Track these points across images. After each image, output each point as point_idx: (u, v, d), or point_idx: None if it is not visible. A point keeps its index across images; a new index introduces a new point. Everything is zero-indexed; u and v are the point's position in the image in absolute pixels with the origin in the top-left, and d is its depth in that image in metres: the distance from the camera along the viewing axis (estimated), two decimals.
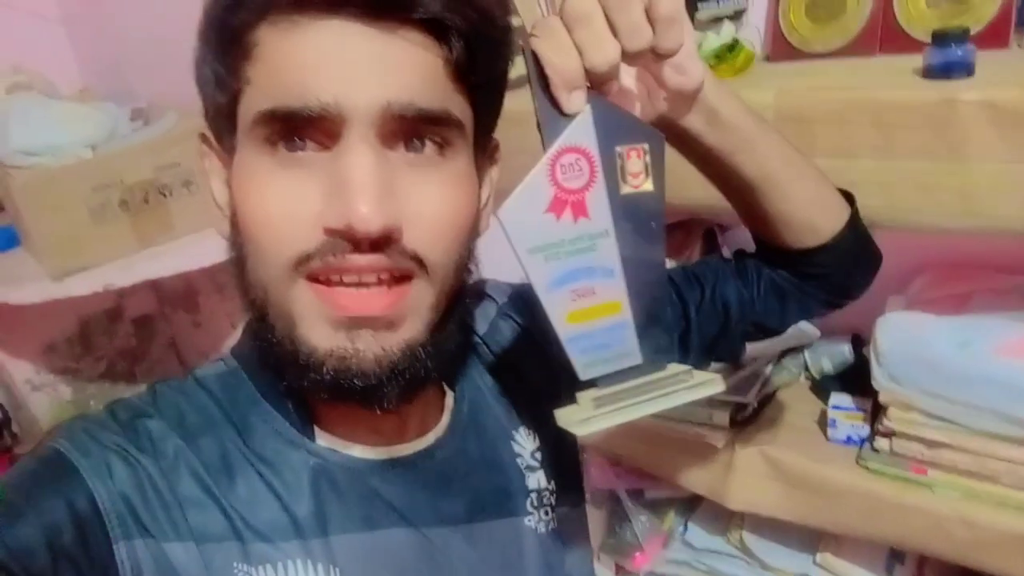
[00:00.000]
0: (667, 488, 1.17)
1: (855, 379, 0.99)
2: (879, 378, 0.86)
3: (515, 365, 0.62)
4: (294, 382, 0.46)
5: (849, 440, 0.95)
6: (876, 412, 0.91)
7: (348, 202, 0.40)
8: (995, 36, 0.78)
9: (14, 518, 0.42)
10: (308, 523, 0.48)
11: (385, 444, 0.52)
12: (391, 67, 0.41)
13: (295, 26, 0.41)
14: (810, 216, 0.60)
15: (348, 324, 0.43)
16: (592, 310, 0.43)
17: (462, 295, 0.49)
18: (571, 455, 0.64)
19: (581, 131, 0.41)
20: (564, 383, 0.63)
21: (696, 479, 1.04)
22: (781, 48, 0.94)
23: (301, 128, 0.42)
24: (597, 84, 0.42)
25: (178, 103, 1.45)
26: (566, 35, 0.41)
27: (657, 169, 0.42)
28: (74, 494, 0.43)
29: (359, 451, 0.51)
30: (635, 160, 0.42)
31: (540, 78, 0.41)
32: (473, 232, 0.48)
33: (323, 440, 0.50)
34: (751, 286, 0.66)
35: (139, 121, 1.45)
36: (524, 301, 0.65)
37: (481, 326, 0.63)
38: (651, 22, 0.41)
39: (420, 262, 0.44)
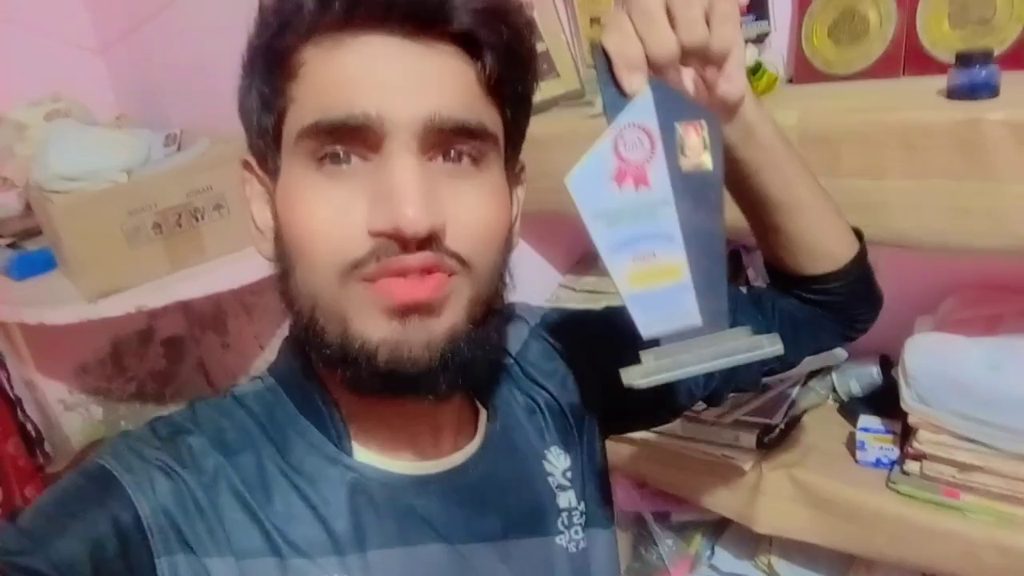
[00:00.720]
0: (693, 511, 1.16)
1: (884, 401, 0.98)
2: (908, 400, 0.85)
3: (547, 385, 0.62)
4: (348, 379, 0.47)
5: (878, 463, 0.94)
6: (906, 434, 0.90)
7: (396, 206, 0.43)
8: (1019, 57, 0.78)
9: (59, 532, 0.42)
10: (345, 539, 0.48)
11: (421, 460, 0.52)
12: (431, 80, 0.44)
13: (339, 44, 0.44)
14: (828, 241, 0.62)
15: (399, 312, 0.45)
16: (653, 272, 0.46)
17: (499, 304, 0.51)
18: (602, 475, 0.64)
19: (643, 109, 0.45)
20: (595, 403, 0.64)
21: (723, 502, 1.04)
22: (804, 70, 0.95)
23: (344, 140, 0.44)
24: (657, 72, 0.46)
25: (210, 129, 1.49)
26: (630, 26, 0.46)
27: (715, 145, 0.46)
28: (118, 509, 0.44)
29: (396, 467, 0.52)
30: (693, 136, 0.45)
31: (606, 65, 0.46)
32: (508, 243, 0.51)
33: (361, 456, 0.51)
34: (768, 316, 0.67)
35: (172, 147, 1.49)
36: (556, 323, 0.66)
37: (514, 346, 0.64)
38: (708, 23, 0.46)
39: (462, 261, 0.46)
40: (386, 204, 0.43)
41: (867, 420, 0.96)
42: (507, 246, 0.50)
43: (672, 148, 0.45)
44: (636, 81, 0.46)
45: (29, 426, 1.72)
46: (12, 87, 1.61)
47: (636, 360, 0.48)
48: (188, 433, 0.49)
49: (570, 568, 0.57)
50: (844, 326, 0.69)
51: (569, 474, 0.60)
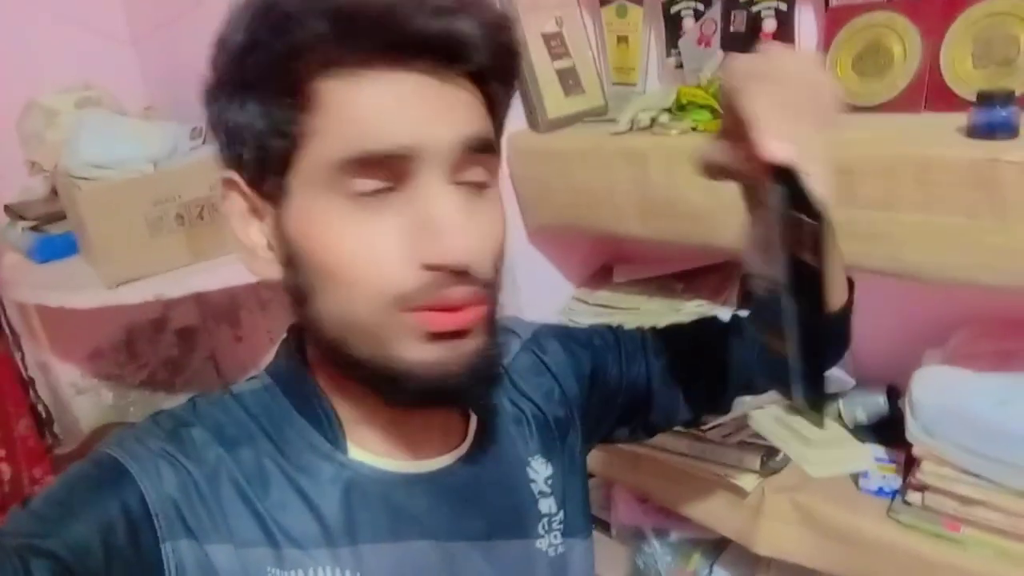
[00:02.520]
0: (694, 529, 1.17)
1: (889, 430, 0.99)
2: (913, 430, 0.86)
3: (533, 397, 0.65)
4: (387, 393, 0.50)
5: (881, 491, 0.94)
6: (909, 465, 0.91)
7: (448, 240, 0.45)
8: None
9: (71, 516, 0.44)
10: (338, 532, 0.50)
11: (412, 460, 0.55)
12: (454, 109, 0.47)
13: (361, 78, 0.45)
14: (836, 282, 0.64)
15: (436, 337, 0.47)
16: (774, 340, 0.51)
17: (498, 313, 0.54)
18: (582, 487, 0.67)
19: (775, 197, 0.48)
20: (578, 415, 0.67)
21: (724, 522, 1.04)
22: None
23: (380, 171, 0.45)
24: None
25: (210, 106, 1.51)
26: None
27: (822, 244, 0.46)
28: (127, 495, 0.46)
29: (388, 465, 0.54)
30: (807, 231, 0.46)
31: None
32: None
33: (355, 454, 0.53)
34: (749, 348, 0.71)
35: (198, 140, 1.51)
36: (545, 339, 0.70)
37: (505, 358, 0.66)
38: None
39: (488, 285, 0.49)
40: (437, 238, 0.45)
41: (871, 449, 0.97)
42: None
43: (788, 237, 0.48)
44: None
45: (40, 407, 1.74)
46: (44, 74, 1.63)
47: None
48: (190, 426, 0.51)
49: (549, 571, 0.60)
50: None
51: (551, 482, 0.63)
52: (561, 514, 0.62)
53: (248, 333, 1.92)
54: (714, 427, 1.02)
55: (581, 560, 0.64)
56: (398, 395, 0.49)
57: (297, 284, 0.49)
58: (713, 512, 1.05)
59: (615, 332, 0.74)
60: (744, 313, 0.76)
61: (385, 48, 0.44)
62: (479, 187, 0.49)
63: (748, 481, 1.00)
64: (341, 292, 0.47)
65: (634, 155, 0.96)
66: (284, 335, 0.58)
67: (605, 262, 1.33)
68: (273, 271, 0.51)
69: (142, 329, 1.94)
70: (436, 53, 0.45)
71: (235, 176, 0.49)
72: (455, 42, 0.45)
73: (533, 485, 0.61)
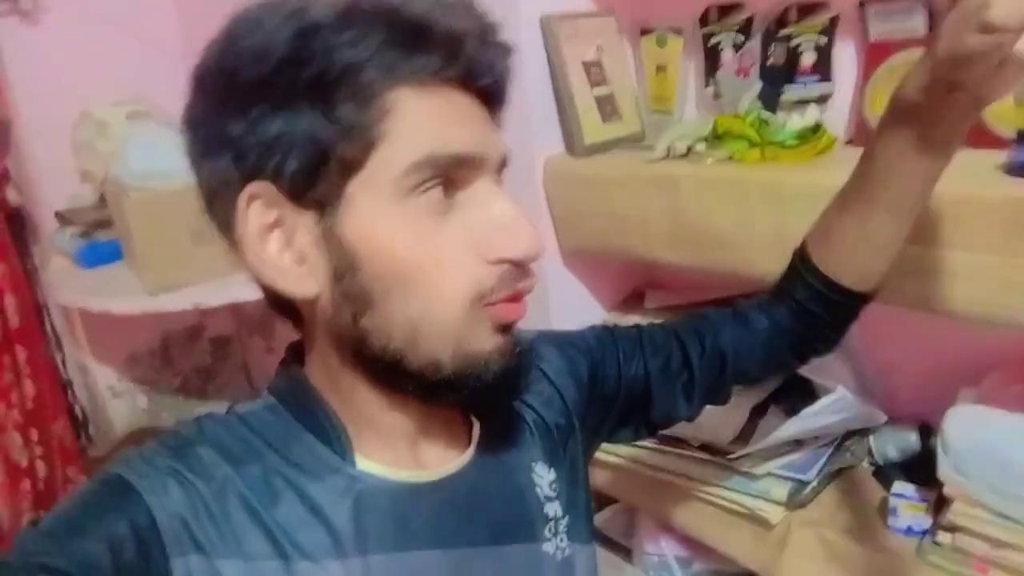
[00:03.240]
0: (717, 560, 1.16)
1: (920, 469, 0.97)
2: (945, 469, 0.85)
3: (534, 404, 0.66)
4: (437, 396, 0.52)
5: (910, 531, 0.93)
6: (940, 504, 0.89)
7: (521, 235, 0.50)
8: None
9: (80, 534, 0.45)
10: (348, 543, 0.51)
11: (418, 469, 0.56)
12: (492, 126, 0.53)
13: (428, 90, 0.48)
14: (884, 262, 0.67)
15: (505, 329, 0.52)
16: None
17: None
18: (585, 492, 0.68)
19: None
20: (577, 424, 0.68)
21: (748, 554, 1.03)
22: (864, 134, 0.96)
23: (442, 175, 0.48)
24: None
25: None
26: None
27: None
28: (135, 512, 0.46)
29: (395, 475, 0.54)
30: None
31: None
32: None
33: (363, 465, 0.54)
34: (752, 333, 0.74)
35: None
36: (544, 347, 0.70)
37: None
38: None
39: None
40: (508, 234, 0.50)
41: (901, 486, 0.96)
42: None
43: None
44: None
45: (77, 408, 1.79)
46: (98, 86, 1.69)
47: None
48: (197, 445, 0.51)
49: (557, 574, 0.60)
50: (806, 349, 0.76)
51: (555, 486, 0.63)
52: (566, 519, 0.63)
53: (280, 344, 1.94)
54: (741, 456, 1.02)
55: (585, 566, 0.64)
56: (455, 393, 0.51)
57: (352, 294, 0.49)
58: (737, 544, 1.04)
59: (612, 332, 0.75)
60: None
61: (447, 66, 0.48)
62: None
63: (774, 513, 0.99)
64: (418, 294, 0.48)
65: (667, 182, 0.97)
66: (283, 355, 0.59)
67: (637, 287, 1.34)
68: (307, 287, 0.49)
69: (178, 336, 1.98)
70: (475, 74, 0.50)
71: (265, 187, 0.48)
72: (490, 67, 0.51)
73: (538, 489, 0.62)
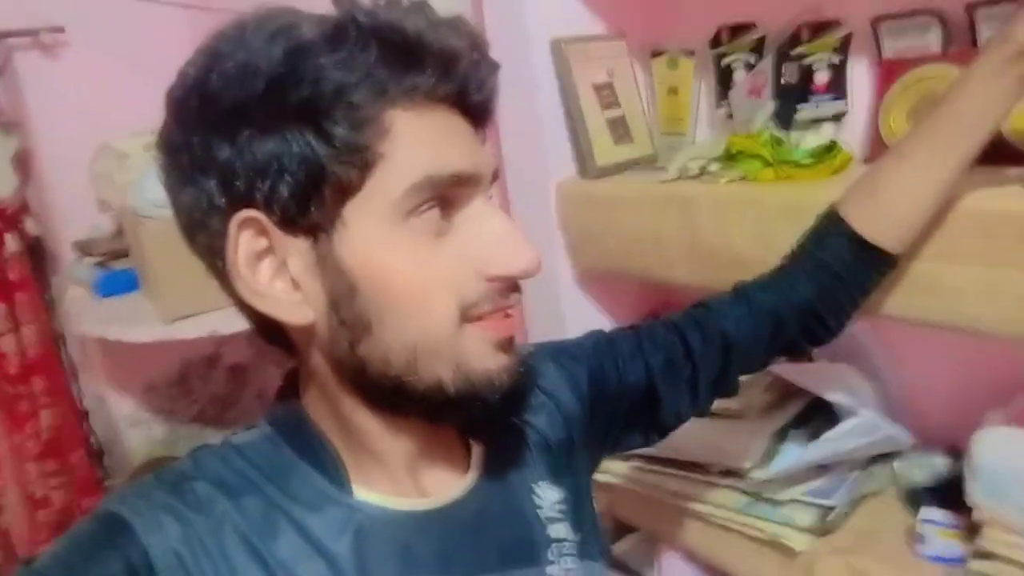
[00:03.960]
0: None
1: (948, 493, 0.94)
2: (975, 494, 0.82)
3: (534, 422, 0.65)
4: (443, 417, 0.53)
5: (940, 558, 0.90)
6: (972, 530, 0.86)
7: (517, 252, 0.50)
8: None
9: (75, 573, 0.45)
10: (350, 574, 0.50)
11: (419, 497, 0.55)
12: (481, 144, 0.53)
13: (422, 110, 0.48)
14: (925, 219, 0.70)
15: (504, 346, 0.52)
16: None
17: None
18: (590, 509, 0.67)
19: None
20: (580, 436, 0.68)
21: None
22: (880, 152, 0.95)
23: (444, 193, 0.49)
24: None
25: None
26: None
27: None
28: (129, 550, 0.46)
29: (395, 504, 0.53)
30: None
31: None
32: None
33: (361, 495, 0.52)
34: (756, 313, 0.73)
35: None
36: (538, 360, 0.69)
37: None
38: None
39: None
40: (505, 250, 0.50)
41: (930, 512, 0.93)
42: None
43: None
44: None
45: (93, 439, 1.79)
46: (116, 118, 1.72)
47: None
48: (193, 479, 0.50)
49: None
50: (815, 325, 0.75)
51: (560, 507, 0.62)
52: (577, 536, 0.62)
53: None
54: (764, 482, 0.99)
55: None
56: (462, 412, 0.52)
57: (352, 319, 0.48)
58: (762, 573, 1.01)
59: (609, 337, 0.74)
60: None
61: (447, 88, 0.49)
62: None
63: (800, 541, 0.96)
64: (414, 316, 0.48)
65: (683, 202, 0.97)
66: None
67: (652, 308, 1.32)
68: (302, 314, 0.48)
69: (195, 365, 1.99)
70: (464, 93, 0.50)
71: (256, 215, 0.46)
72: (479, 85, 0.51)
73: (540, 511, 0.61)
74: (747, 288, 0.75)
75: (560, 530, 0.61)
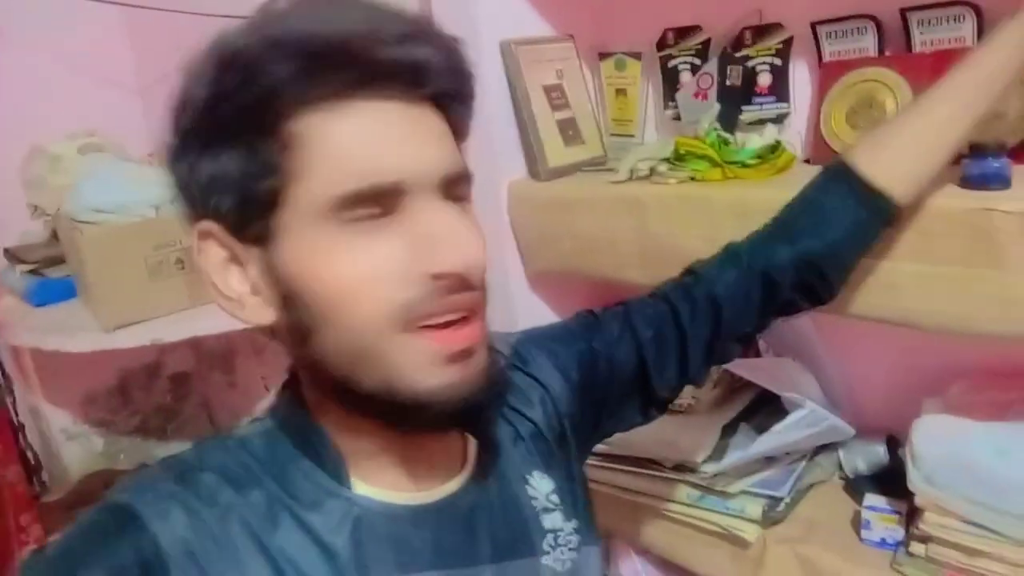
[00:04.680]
0: None
1: (890, 480, 0.98)
2: (915, 480, 0.85)
3: (526, 412, 0.66)
4: (401, 424, 0.51)
5: (883, 543, 0.93)
6: (912, 515, 0.90)
7: (459, 248, 0.47)
8: None
9: (85, 562, 0.45)
10: (348, 567, 0.51)
11: (417, 490, 0.55)
12: (434, 137, 0.49)
13: (334, 112, 0.46)
14: (934, 172, 0.72)
15: (456, 358, 0.49)
16: None
17: None
18: (583, 494, 0.68)
19: None
20: (572, 422, 0.68)
21: (725, 573, 1.03)
22: (822, 152, 0.98)
23: (375, 201, 0.47)
24: None
25: (175, 160, 1.53)
26: None
27: None
28: (139, 539, 0.46)
29: (393, 498, 0.54)
30: None
31: None
32: None
33: (360, 489, 0.54)
34: (743, 279, 0.72)
35: None
36: (525, 349, 0.70)
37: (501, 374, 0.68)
38: None
39: (484, 295, 0.51)
40: (440, 247, 0.47)
41: (873, 499, 0.96)
42: None
43: None
44: None
45: (29, 454, 1.72)
46: (52, 121, 1.66)
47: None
48: (198, 470, 0.51)
49: None
50: (811, 282, 0.73)
51: (555, 497, 0.63)
52: (574, 523, 0.63)
53: (242, 379, 1.91)
54: (715, 476, 1.01)
55: (595, 567, 0.64)
56: (414, 423, 0.50)
57: (296, 323, 0.49)
58: (715, 564, 1.04)
59: (596, 315, 0.74)
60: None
61: (354, 79, 0.46)
62: (462, 201, 0.51)
63: (750, 531, 0.99)
64: (346, 320, 0.47)
65: (633, 203, 0.98)
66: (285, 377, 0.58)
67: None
68: (264, 316, 0.50)
69: (136, 375, 1.93)
70: (402, 79, 0.47)
71: (213, 226, 0.49)
72: (419, 68, 0.47)
73: (535, 502, 0.62)
74: (739, 249, 0.74)
75: (554, 520, 0.62)
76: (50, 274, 1.57)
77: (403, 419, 0.50)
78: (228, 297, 0.51)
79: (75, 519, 0.49)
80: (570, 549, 0.62)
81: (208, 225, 0.49)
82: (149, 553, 0.46)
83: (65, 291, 1.52)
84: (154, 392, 1.96)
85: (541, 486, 0.63)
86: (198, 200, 0.49)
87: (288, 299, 0.49)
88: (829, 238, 0.71)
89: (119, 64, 1.79)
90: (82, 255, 1.30)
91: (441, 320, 0.48)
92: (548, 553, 0.60)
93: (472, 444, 0.61)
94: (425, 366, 0.48)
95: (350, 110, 0.46)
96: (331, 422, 0.54)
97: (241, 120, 0.46)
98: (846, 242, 0.72)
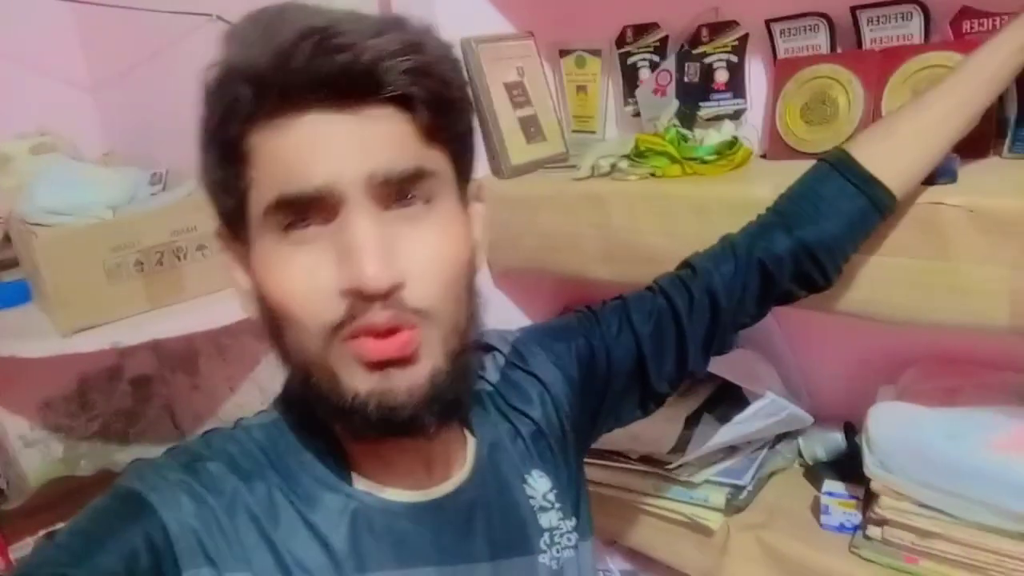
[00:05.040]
0: (662, 571, 1.17)
1: (848, 467, 1.00)
2: (871, 466, 0.88)
3: (525, 410, 0.67)
4: (345, 426, 0.52)
5: (842, 527, 0.96)
6: (868, 500, 0.93)
7: (356, 265, 0.46)
8: (977, 146, 0.84)
9: (96, 547, 0.46)
10: (346, 561, 0.52)
11: (415, 487, 0.57)
12: (368, 142, 0.47)
13: (280, 127, 0.47)
14: (929, 167, 0.73)
15: (379, 367, 0.49)
16: None
17: (473, 331, 0.54)
18: (581, 488, 0.69)
19: None
20: (571, 418, 0.69)
21: (691, 562, 1.05)
22: (777, 147, 1.00)
23: (304, 209, 0.48)
24: None
25: (197, 170, 1.51)
26: None
27: None
28: (149, 525, 0.48)
29: (392, 494, 0.56)
30: None
31: None
32: (470, 267, 0.54)
33: (360, 484, 0.55)
34: (740, 270, 0.72)
35: (158, 186, 1.50)
36: (524, 346, 0.71)
37: (493, 375, 0.68)
38: None
39: (420, 313, 0.49)
40: (348, 263, 0.46)
41: (831, 485, 0.99)
42: (470, 270, 0.54)
43: None
44: None
45: None
46: (1, 120, 1.62)
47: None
48: (206, 459, 0.53)
49: None
50: (808, 269, 0.73)
51: (552, 495, 0.64)
52: (573, 521, 0.65)
53: (206, 381, 1.88)
54: (679, 466, 1.03)
55: (589, 561, 0.66)
56: (357, 428, 0.51)
57: (268, 322, 0.52)
58: (681, 553, 1.06)
59: (594, 311, 0.74)
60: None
61: (290, 95, 0.46)
62: (422, 207, 0.50)
63: (714, 519, 1.01)
64: (292, 328, 0.49)
65: (596, 200, 0.99)
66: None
67: (568, 305, 1.35)
68: (251, 310, 0.54)
69: (95, 378, 1.89)
70: (338, 89, 0.46)
71: (221, 228, 0.54)
72: (357, 75, 0.46)
73: (532, 501, 0.63)
74: (736, 240, 0.74)
75: (551, 518, 0.63)
76: (2, 278, 1.53)
77: (349, 422, 0.51)
78: (240, 289, 0.55)
79: (84, 507, 0.50)
80: (567, 547, 0.63)
81: (218, 226, 0.55)
82: (159, 539, 0.47)
83: (19, 295, 1.48)
84: (114, 396, 1.93)
85: (539, 485, 0.64)
86: (210, 202, 0.54)
87: (260, 300, 0.52)
88: (827, 227, 0.71)
89: (70, 62, 1.75)
90: (36, 258, 1.27)
91: (355, 328, 0.48)
92: (545, 552, 0.62)
93: (471, 443, 0.62)
94: (356, 372, 0.49)
95: (294, 124, 0.47)
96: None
97: (214, 137, 0.50)
98: (844, 231, 0.72)
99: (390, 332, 0.48)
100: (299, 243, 0.48)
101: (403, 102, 0.48)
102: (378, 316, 0.47)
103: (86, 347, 1.30)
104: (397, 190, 0.48)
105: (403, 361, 0.49)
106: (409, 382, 0.49)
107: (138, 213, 1.35)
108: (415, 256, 0.48)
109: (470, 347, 0.54)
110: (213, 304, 1.40)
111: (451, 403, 0.52)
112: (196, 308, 1.40)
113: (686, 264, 0.75)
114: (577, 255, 1.03)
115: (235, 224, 0.52)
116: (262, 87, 0.46)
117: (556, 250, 1.06)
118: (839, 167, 0.73)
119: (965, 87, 0.72)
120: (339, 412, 0.50)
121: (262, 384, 1.67)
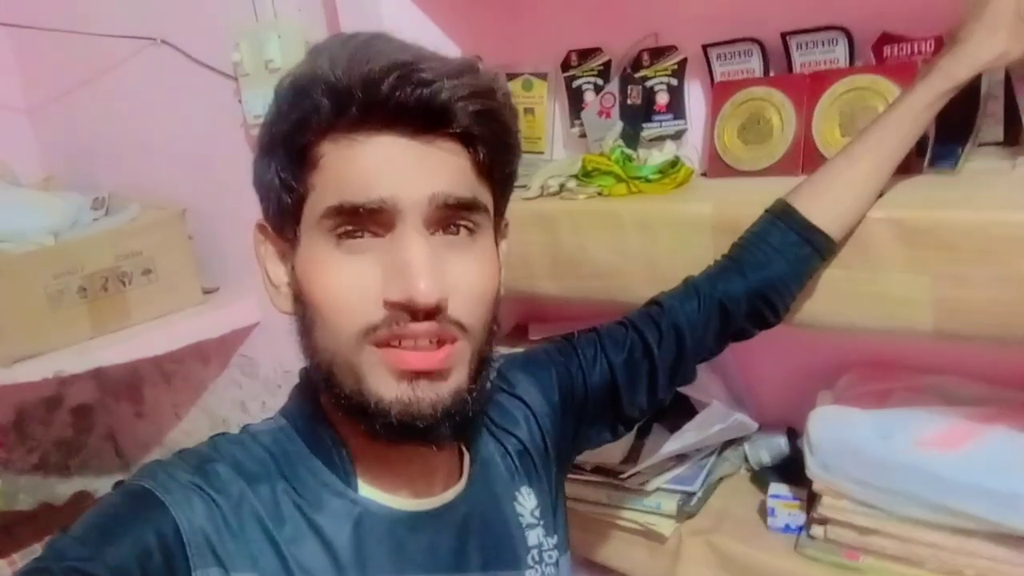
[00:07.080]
0: None
1: (791, 470, 1.05)
2: (812, 468, 0.92)
3: (512, 430, 0.70)
4: (362, 426, 0.54)
5: (787, 528, 1.00)
6: (811, 501, 0.97)
7: (410, 280, 0.51)
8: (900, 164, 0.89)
9: (111, 542, 0.48)
10: (349, 565, 0.54)
11: (417, 497, 0.59)
12: (433, 168, 0.53)
13: (354, 142, 0.51)
14: (863, 212, 0.78)
15: (409, 377, 0.53)
16: None
17: (490, 355, 0.58)
18: (561, 505, 0.73)
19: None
20: (553, 440, 0.73)
21: (644, 569, 1.07)
22: (717, 166, 1.05)
23: (360, 220, 0.51)
24: None
25: (139, 194, 1.48)
26: None
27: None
28: (161, 523, 0.50)
29: (395, 502, 0.58)
30: None
31: None
32: (497, 297, 0.58)
33: (364, 491, 0.57)
34: (702, 309, 0.79)
35: (100, 210, 1.48)
36: (509, 371, 0.74)
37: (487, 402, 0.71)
38: None
39: (461, 327, 0.54)
40: (401, 278, 0.51)
41: (776, 488, 1.03)
42: (497, 300, 0.59)
43: None
44: None
45: None
46: None
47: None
48: (215, 462, 0.55)
49: None
50: (761, 310, 0.81)
51: (537, 512, 0.68)
52: (555, 538, 0.68)
53: (150, 409, 1.84)
54: (632, 475, 1.06)
55: (568, 574, 0.70)
56: (374, 431, 0.53)
57: (302, 317, 0.56)
58: (634, 560, 1.08)
59: (571, 341, 0.79)
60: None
61: (370, 116, 0.51)
62: (466, 237, 0.55)
63: (667, 526, 1.04)
64: (326, 325, 0.53)
65: (545, 219, 1.02)
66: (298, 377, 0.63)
67: (520, 321, 1.37)
68: (287, 306, 0.58)
69: (34, 408, 1.83)
70: (415, 120, 0.51)
71: (267, 225, 0.59)
72: (433, 110, 0.51)
73: (520, 518, 0.66)
74: (697, 282, 0.80)
75: (537, 535, 0.66)
76: None
77: (370, 425, 0.53)
78: (273, 284, 0.59)
79: (96, 502, 0.52)
80: (549, 564, 0.66)
81: (264, 222, 0.59)
82: (171, 539, 0.49)
83: None
84: (54, 426, 1.87)
85: (527, 502, 0.67)
86: (261, 200, 0.58)
87: (297, 296, 0.56)
88: (776, 271, 0.79)
89: (6, 85, 1.71)
90: None
91: (390, 338, 0.52)
92: (532, 568, 0.65)
93: (467, 458, 0.65)
94: (383, 379, 0.52)
95: (365, 141, 0.51)
96: (342, 422, 0.57)
97: (283, 139, 0.54)
98: (790, 274, 0.80)
99: (435, 343, 0.52)
100: (351, 251, 0.52)
101: (467, 138, 0.53)
102: (421, 327, 0.51)
103: (27, 376, 1.27)
104: (450, 216, 0.53)
105: (436, 374, 0.53)
106: (435, 396, 0.53)
107: (81, 238, 1.33)
108: (457, 277, 0.53)
109: (487, 369, 0.58)
110: (159, 329, 1.38)
111: (466, 419, 0.55)
112: (142, 333, 1.38)
113: (654, 302, 0.82)
114: (527, 271, 1.06)
115: (283, 223, 0.56)
116: (344, 103, 0.50)
117: (506, 268, 1.07)
118: (783, 218, 0.79)
119: (890, 141, 0.78)
120: (358, 412, 0.53)
121: (210, 410, 1.64)
